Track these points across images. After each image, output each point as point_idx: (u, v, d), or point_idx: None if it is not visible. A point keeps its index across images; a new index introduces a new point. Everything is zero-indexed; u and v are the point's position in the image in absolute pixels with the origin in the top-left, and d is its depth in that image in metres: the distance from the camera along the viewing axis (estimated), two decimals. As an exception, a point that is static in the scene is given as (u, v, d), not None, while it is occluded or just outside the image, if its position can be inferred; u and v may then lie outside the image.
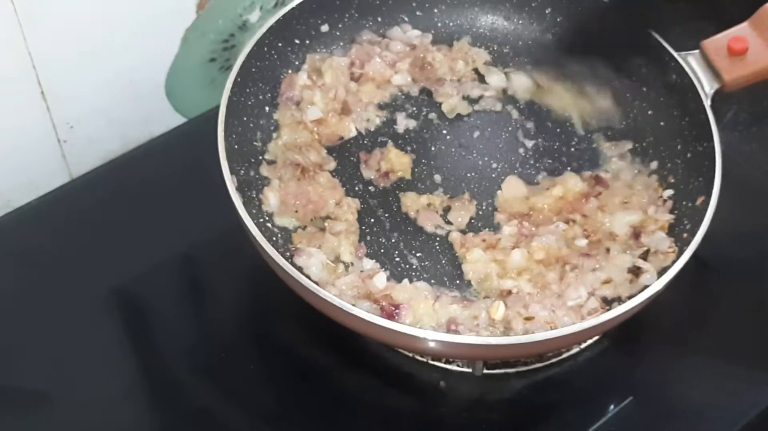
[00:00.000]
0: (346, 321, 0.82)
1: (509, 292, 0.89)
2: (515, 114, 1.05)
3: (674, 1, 1.21)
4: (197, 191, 1.02)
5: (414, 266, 0.93)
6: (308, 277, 0.86)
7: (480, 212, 0.97)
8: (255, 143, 0.97)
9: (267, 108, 1.00)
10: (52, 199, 1.03)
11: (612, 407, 0.90)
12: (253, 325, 0.97)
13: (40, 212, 1.02)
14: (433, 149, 1.02)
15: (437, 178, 0.99)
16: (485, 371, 0.91)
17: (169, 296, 0.98)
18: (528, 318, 0.86)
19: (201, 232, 1.00)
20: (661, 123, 1.00)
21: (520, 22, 1.08)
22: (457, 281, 0.92)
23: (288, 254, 0.91)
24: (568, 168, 1.00)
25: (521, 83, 1.06)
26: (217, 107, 0.92)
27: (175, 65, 1.13)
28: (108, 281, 0.97)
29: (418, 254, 0.94)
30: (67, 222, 1.02)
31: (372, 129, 1.02)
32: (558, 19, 1.06)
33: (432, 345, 0.81)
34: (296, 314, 0.93)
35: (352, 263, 0.91)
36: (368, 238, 0.94)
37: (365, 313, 0.80)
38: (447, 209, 0.97)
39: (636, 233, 0.92)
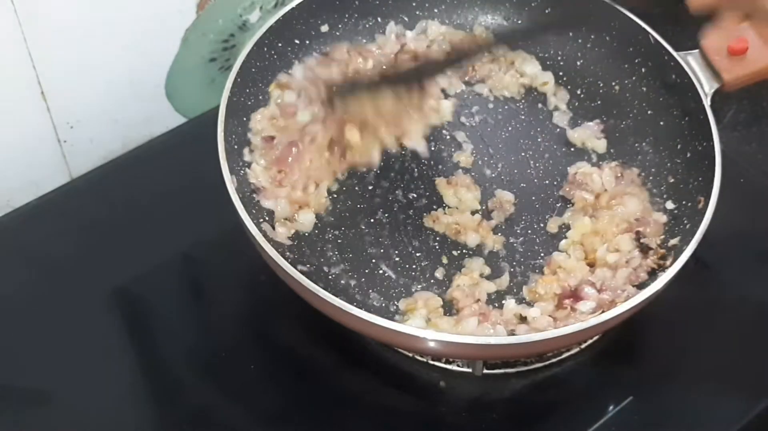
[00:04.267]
0: (345, 321, 0.82)
1: None
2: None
3: (673, 2, 1.21)
4: (197, 191, 1.02)
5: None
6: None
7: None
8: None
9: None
10: (52, 199, 1.03)
11: (612, 407, 0.90)
12: (254, 325, 0.97)
13: (41, 212, 1.02)
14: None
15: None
16: (485, 371, 0.91)
17: (169, 296, 0.98)
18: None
19: (201, 232, 1.00)
20: (661, 123, 1.00)
21: (520, 22, 1.08)
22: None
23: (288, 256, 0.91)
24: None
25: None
26: (217, 107, 0.92)
27: (175, 65, 1.13)
28: (108, 281, 0.97)
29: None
30: (67, 222, 1.02)
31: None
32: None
33: (432, 344, 0.81)
34: (296, 314, 0.93)
35: None
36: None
37: (364, 313, 0.80)
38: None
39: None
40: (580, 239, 0.94)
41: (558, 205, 0.98)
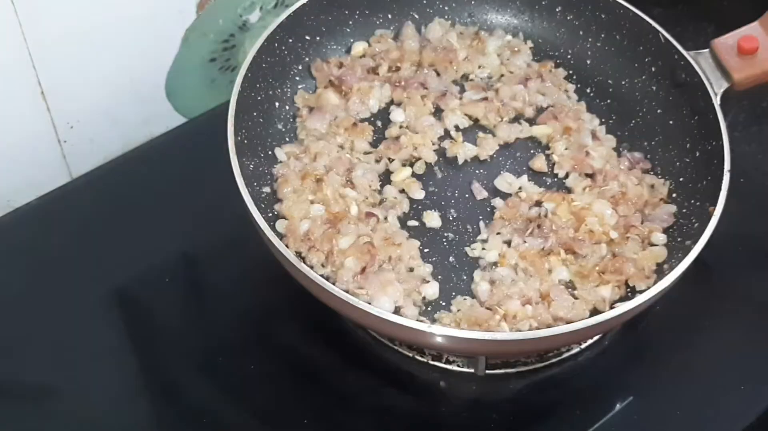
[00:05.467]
0: (352, 315, 0.83)
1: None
2: None
3: (675, 3, 1.21)
4: (197, 191, 1.02)
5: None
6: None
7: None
8: (264, 138, 0.97)
9: (277, 104, 1.00)
10: (52, 199, 1.03)
11: (612, 407, 0.90)
12: (254, 325, 0.96)
13: (41, 212, 1.02)
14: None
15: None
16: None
17: (168, 296, 0.98)
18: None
19: (201, 232, 1.00)
20: (670, 122, 1.00)
21: (528, 19, 1.09)
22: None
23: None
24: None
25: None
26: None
27: (175, 65, 1.13)
28: (108, 281, 0.97)
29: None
30: (67, 222, 1.02)
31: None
32: (568, 17, 1.07)
33: (438, 340, 0.81)
34: (297, 314, 0.94)
35: None
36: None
37: (372, 307, 0.80)
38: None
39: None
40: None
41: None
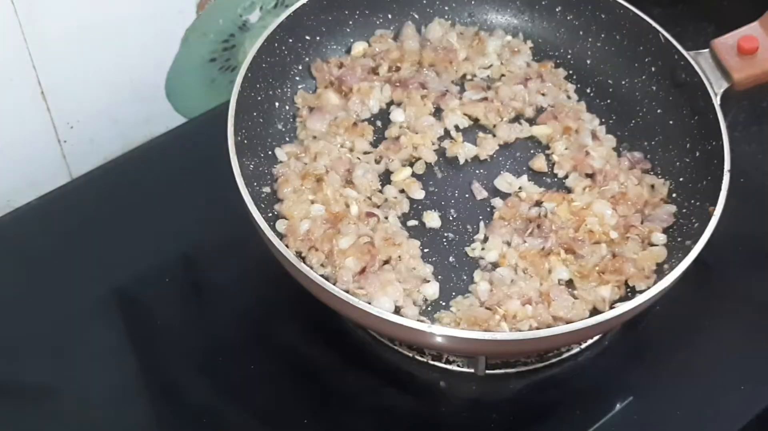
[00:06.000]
0: (352, 315, 0.83)
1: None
2: None
3: (675, 3, 1.21)
4: (197, 191, 1.02)
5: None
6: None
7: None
8: (264, 138, 0.97)
9: (277, 104, 1.00)
10: (52, 199, 1.03)
11: (612, 407, 0.90)
12: (254, 325, 0.96)
13: (40, 212, 1.02)
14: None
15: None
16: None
17: (168, 296, 0.98)
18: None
19: (201, 232, 1.00)
20: (670, 122, 1.00)
21: (528, 19, 1.09)
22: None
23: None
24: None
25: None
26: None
27: (175, 65, 1.13)
28: (108, 281, 0.97)
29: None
30: (67, 222, 1.02)
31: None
32: (568, 17, 1.07)
33: (439, 340, 0.81)
34: (297, 314, 0.94)
35: None
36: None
37: (372, 307, 0.80)
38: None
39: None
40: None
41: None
